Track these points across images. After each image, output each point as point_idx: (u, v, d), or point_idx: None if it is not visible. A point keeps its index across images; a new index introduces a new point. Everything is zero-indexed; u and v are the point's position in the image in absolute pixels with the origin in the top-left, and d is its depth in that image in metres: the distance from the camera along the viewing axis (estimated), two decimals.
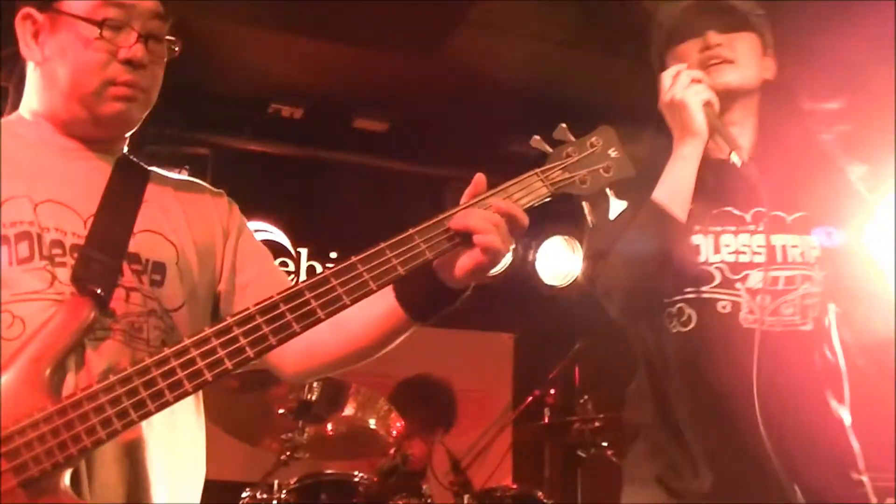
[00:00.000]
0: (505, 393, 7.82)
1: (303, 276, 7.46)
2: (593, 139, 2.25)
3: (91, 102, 2.26)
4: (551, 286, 7.58)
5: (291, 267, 7.40)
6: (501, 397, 7.78)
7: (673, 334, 2.89)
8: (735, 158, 2.75)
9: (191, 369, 1.99)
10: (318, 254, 7.57)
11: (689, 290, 2.88)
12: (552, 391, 6.22)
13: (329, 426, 4.90)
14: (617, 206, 2.26)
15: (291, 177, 7.31)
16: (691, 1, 2.96)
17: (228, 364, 2.01)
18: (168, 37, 2.33)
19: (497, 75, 6.55)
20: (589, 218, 2.28)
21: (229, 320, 2.03)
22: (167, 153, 6.32)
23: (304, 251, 7.52)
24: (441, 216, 2.12)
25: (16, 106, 2.38)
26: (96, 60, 2.23)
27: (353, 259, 2.09)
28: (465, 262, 2.12)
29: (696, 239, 2.90)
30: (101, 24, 2.22)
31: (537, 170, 2.21)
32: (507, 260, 7.20)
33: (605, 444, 5.57)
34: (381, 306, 2.25)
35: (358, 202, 7.37)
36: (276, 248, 7.29)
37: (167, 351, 2.00)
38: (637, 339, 3.06)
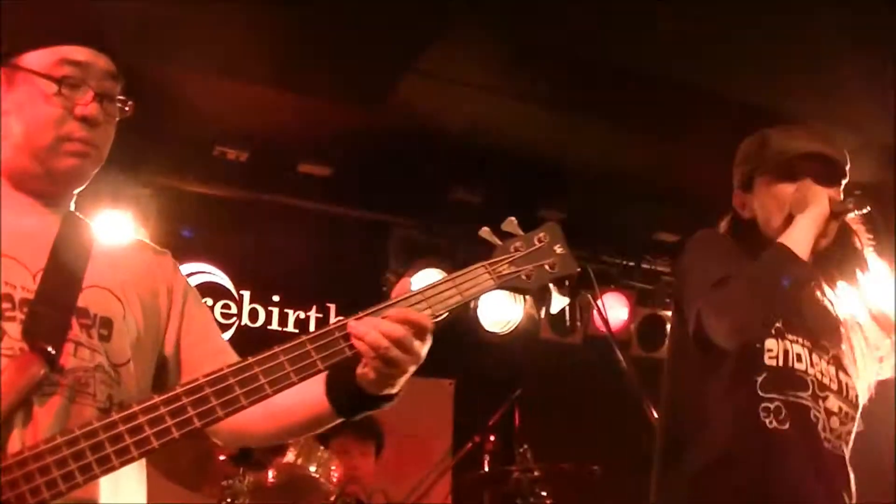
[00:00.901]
0: (445, 439, 7.80)
1: (245, 319, 7.46)
2: (540, 235, 2.32)
3: (45, 157, 2.27)
4: (492, 333, 7.62)
5: (234, 309, 7.39)
6: (441, 443, 7.74)
7: (769, 430, 3.01)
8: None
9: (139, 436, 2.02)
10: (260, 296, 7.57)
11: (789, 391, 3.06)
12: (492, 438, 6.25)
13: (270, 473, 4.89)
14: (559, 302, 2.33)
15: (235, 219, 7.30)
16: (805, 147, 3.17)
17: (175, 433, 2.05)
18: (120, 97, 2.36)
19: (441, 124, 6.63)
20: (534, 312, 2.35)
21: (178, 389, 2.07)
22: (111, 192, 6.31)
23: (246, 294, 7.51)
24: (336, 323, 2.17)
25: None
26: (53, 116, 2.25)
27: (276, 349, 2.14)
28: (368, 371, 2.19)
29: (797, 348, 3.11)
30: (59, 82, 2.25)
31: (485, 262, 2.27)
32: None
33: (543, 493, 5.59)
34: (311, 393, 2.30)
35: (301, 246, 7.38)
36: (218, 290, 7.31)
37: (115, 416, 2.02)
38: (708, 429, 3.11)
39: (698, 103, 5.97)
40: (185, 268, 6.86)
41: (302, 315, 7.58)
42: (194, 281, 6.98)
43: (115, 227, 6.20)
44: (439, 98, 6.41)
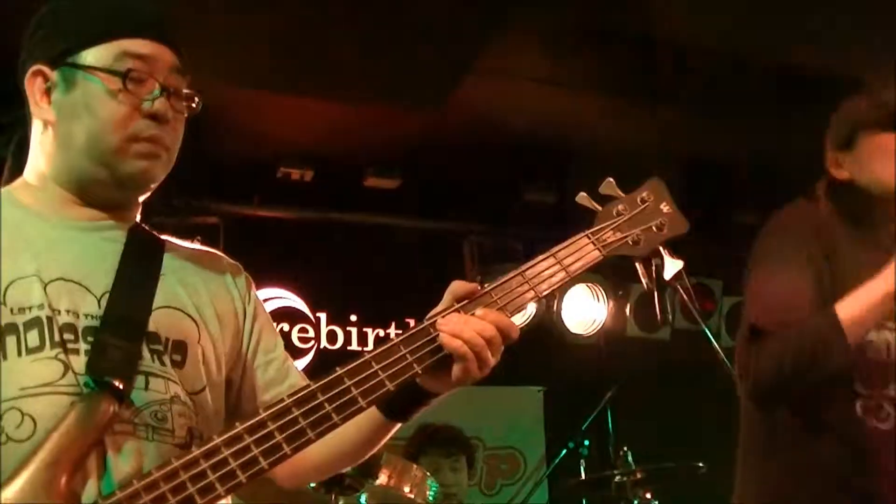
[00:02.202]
0: (538, 447, 7.71)
1: (323, 342, 7.36)
2: (644, 194, 2.15)
3: (112, 161, 2.09)
4: (577, 335, 7.44)
5: (311, 333, 7.28)
6: (535, 452, 7.65)
7: (871, 429, 2.87)
8: None
9: (222, 471, 1.83)
10: (337, 317, 7.46)
11: (890, 388, 2.91)
12: (586, 442, 6.09)
13: (363, 497, 4.74)
14: (672, 266, 2.13)
15: (305, 241, 7.20)
16: None
17: (264, 463, 1.87)
18: (186, 91, 2.17)
19: (507, 123, 6.47)
20: (644, 281, 2.16)
21: (263, 415, 1.89)
22: (176, 224, 6.21)
23: (322, 316, 7.40)
24: (426, 322, 2.01)
25: (15, 175, 2.21)
26: (119, 114, 2.07)
27: (339, 371, 1.97)
28: (457, 373, 2.01)
29: (888, 335, 2.94)
30: (124, 76, 2.07)
31: (587, 231, 2.11)
32: (530, 311, 7.13)
33: (648, 495, 5.40)
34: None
35: (375, 262, 7.29)
36: (293, 315, 7.20)
37: (195, 452, 1.84)
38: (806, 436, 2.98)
39: (792, 88, 5.72)
40: (259, 294, 6.78)
41: (381, 332, 7.48)
42: (269, 307, 6.84)
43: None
44: (503, 96, 6.25)
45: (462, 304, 2.01)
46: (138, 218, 2.25)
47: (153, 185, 2.18)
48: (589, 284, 7.39)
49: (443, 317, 2.00)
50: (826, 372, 2.81)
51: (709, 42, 5.53)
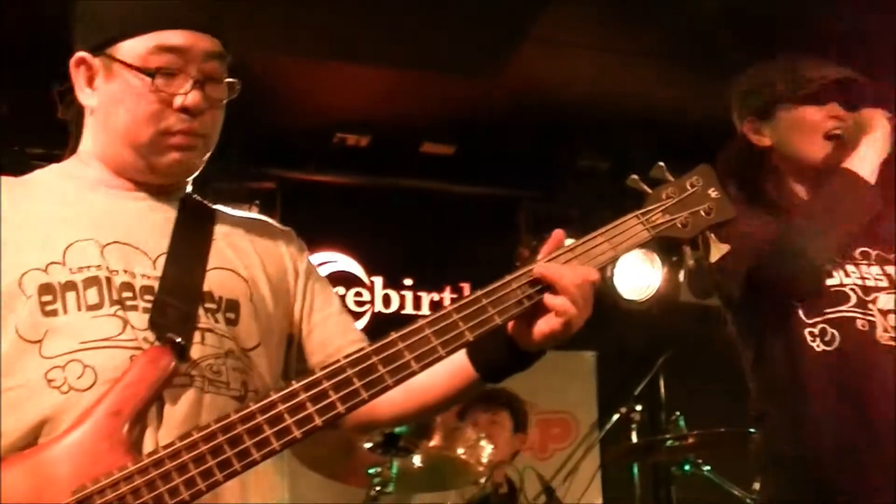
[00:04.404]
0: (590, 412, 7.71)
1: (378, 306, 7.42)
2: (693, 179, 2.21)
3: (147, 152, 2.17)
4: (630, 301, 7.45)
5: (366, 296, 7.36)
6: (587, 416, 7.67)
7: (818, 353, 2.96)
8: None
9: (279, 426, 1.91)
10: (392, 282, 7.53)
11: (828, 310, 2.99)
12: (638, 408, 6.11)
13: (417, 458, 4.81)
14: (717, 250, 2.20)
15: (360, 206, 7.26)
16: (825, 76, 3.14)
17: (318, 421, 1.93)
18: (228, 79, 2.23)
19: (563, 91, 6.48)
20: (689, 262, 2.24)
21: (319, 373, 1.96)
22: (234, 189, 6.30)
23: (377, 280, 7.47)
24: (509, 277, 2.06)
25: (77, 140, 2.30)
26: (149, 111, 2.13)
27: (421, 322, 2.02)
28: (543, 326, 2.06)
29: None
30: (153, 74, 2.12)
31: (637, 212, 2.16)
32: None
33: (699, 460, 5.43)
34: (450, 362, 2.15)
35: (429, 228, 7.33)
36: (349, 279, 7.28)
37: (253, 406, 1.92)
38: (768, 365, 3.10)
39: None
40: (315, 258, 6.87)
41: (436, 297, 7.52)
42: (325, 270, 7.00)
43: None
44: (560, 64, 6.24)
45: (513, 276, 2.06)
46: (189, 188, 2.33)
47: (192, 172, 2.27)
48: (643, 251, 7.39)
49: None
50: (863, 212, 2.99)
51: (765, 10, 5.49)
